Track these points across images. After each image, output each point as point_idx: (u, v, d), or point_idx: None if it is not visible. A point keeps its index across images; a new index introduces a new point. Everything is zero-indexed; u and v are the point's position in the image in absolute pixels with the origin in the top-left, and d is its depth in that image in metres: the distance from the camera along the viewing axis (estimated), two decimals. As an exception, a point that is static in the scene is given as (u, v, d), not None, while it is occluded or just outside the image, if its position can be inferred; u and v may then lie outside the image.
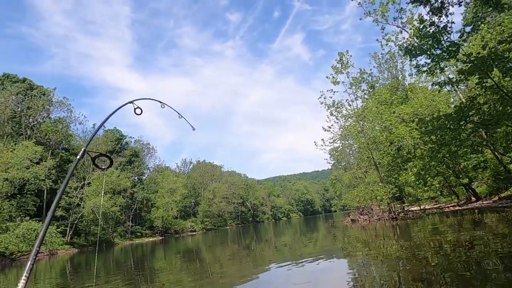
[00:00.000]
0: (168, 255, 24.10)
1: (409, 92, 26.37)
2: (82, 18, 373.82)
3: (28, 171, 33.19)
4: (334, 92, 24.69)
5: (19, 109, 44.17)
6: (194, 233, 67.27)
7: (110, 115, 3.32)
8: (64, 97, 50.20)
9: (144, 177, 69.80)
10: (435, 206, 28.72)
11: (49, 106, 47.78)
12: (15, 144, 35.64)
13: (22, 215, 33.77)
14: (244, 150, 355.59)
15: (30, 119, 44.98)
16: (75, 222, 41.30)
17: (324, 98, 25.03)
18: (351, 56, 23.75)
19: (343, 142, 30.80)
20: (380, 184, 23.26)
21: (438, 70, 12.28)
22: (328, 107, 25.28)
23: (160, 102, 3.69)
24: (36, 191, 38.80)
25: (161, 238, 56.94)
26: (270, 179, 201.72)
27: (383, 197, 22.22)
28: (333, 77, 23.89)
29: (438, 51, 11.56)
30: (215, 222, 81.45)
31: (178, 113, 3.94)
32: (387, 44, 17.25)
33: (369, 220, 25.25)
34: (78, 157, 2.67)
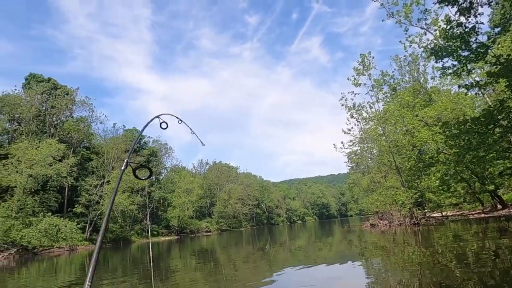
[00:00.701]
0: (183, 255, 24.24)
1: (432, 95, 25.62)
2: (105, 21, 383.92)
3: (51, 168, 34.14)
4: (355, 94, 24.30)
5: (43, 108, 45.58)
6: (209, 233, 67.59)
7: (143, 129, 3.77)
8: (86, 96, 51.53)
9: (161, 177, 70.63)
10: (458, 213, 27.81)
11: (72, 105, 49.09)
12: (39, 141, 36.79)
13: (44, 211, 34.76)
14: (260, 152, 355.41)
15: (54, 118, 46.31)
16: (94, 219, 42.19)
17: (345, 100, 24.70)
18: (373, 57, 23.33)
19: (362, 145, 30.28)
20: (402, 188, 22.70)
21: (465, 73, 11.87)
22: (348, 109, 24.91)
23: (178, 118, 3.99)
24: (58, 187, 39.86)
25: (176, 237, 57.46)
26: (286, 182, 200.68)
27: (405, 201, 21.67)
28: (354, 78, 23.48)
29: (466, 53, 11.16)
30: (230, 223, 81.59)
31: (191, 130, 4.20)
32: (410, 45, 16.83)
33: (389, 225, 24.67)
34: (122, 168, 2.92)
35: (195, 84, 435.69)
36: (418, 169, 20.93)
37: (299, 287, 7.72)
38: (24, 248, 30.62)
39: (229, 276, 10.86)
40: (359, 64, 23.44)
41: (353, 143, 28.94)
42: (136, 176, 3.28)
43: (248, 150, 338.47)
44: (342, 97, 24.81)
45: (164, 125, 3.73)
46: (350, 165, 39.27)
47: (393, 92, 24.01)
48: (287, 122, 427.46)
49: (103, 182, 45.23)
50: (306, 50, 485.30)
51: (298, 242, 25.38)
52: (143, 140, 67.20)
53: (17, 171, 32.09)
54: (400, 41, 17.16)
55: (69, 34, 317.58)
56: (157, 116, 3.66)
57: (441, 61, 11.93)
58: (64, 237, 34.01)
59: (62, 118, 47.39)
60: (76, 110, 50.46)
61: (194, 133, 4.17)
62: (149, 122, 3.72)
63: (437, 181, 18.20)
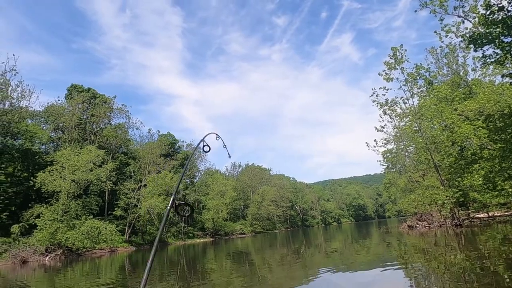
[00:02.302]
0: (218, 256, 24.48)
1: (473, 87, 23.98)
2: (138, 30, 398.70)
3: (92, 173, 35.84)
4: (387, 89, 23.22)
5: (84, 116, 48.09)
6: (243, 235, 67.96)
7: (190, 157, 4.13)
8: (122, 104, 53.75)
9: (195, 180, 72.10)
10: (507, 213, 25.89)
11: (110, 113, 51.34)
12: (80, 148, 38.80)
13: (86, 214, 36.54)
14: (292, 154, 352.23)
15: (94, 125, 48.72)
16: (133, 221, 43.80)
17: (377, 96, 23.71)
18: (405, 50, 22.17)
19: (397, 143, 28.97)
20: (441, 188, 21.47)
21: (508, 61, 10.97)
22: (380, 105, 23.88)
23: (216, 135, 4.29)
24: (98, 191, 41.82)
25: (211, 239, 58.28)
26: (320, 183, 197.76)
27: (445, 201, 20.47)
28: (386, 73, 22.48)
29: (509, 39, 10.33)
30: (264, 225, 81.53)
31: (224, 144, 4.47)
32: (446, 35, 15.78)
33: (429, 226, 23.49)
34: (168, 207, 3.19)
35: (225, 88, 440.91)
36: (460, 167, 19.68)
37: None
38: (69, 249, 32.37)
39: (264, 279, 10.77)
40: (390, 58, 22.43)
41: (387, 141, 27.75)
42: (177, 213, 3.47)
43: (280, 152, 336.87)
44: (373, 93, 23.79)
45: (206, 148, 4.05)
46: (385, 164, 37.73)
47: (429, 86, 22.78)
48: (318, 122, 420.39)
49: (140, 185, 46.86)
50: (337, 48, 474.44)
51: (334, 245, 24.86)
52: (177, 145, 69.03)
53: (61, 177, 34.00)
54: (435, 32, 16.18)
55: (106, 45, 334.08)
56: (202, 139, 3.92)
57: (481, 49, 11.12)
58: (105, 239, 35.57)
59: (101, 126, 49.74)
60: (113, 118, 52.77)
61: (225, 146, 4.48)
62: (197, 146, 4.14)
63: (480, 179, 16.99)
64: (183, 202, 3.43)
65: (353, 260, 13.18)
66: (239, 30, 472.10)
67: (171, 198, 3.23)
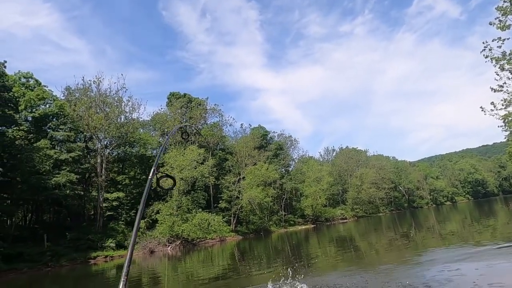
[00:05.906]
0: (321, 242, 24.36)
1: None
2: (219, 32, 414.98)
3: (196, 170, 39.31)
4: (504, 40, 19.39)
5: (184, 120, 52.85)
6: (345, 220, 66.39)
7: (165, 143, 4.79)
8: (215, 104, 57.62)
9: (290, 168, 72.86)
10: None
11: (205, 114, 55.50)
12: (184, 149, 42.79)
13: (196, 208, 40.30)
14: (389, 131, 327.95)
15: (193, 127, 53.21)
16: (237, 212, 46.63)
17: (490, 50, 19.96)
18: (524, -12, 18.13)
19: (522, 103, 24.21)
20: None
21: None
22: (496, 60, 20.06)
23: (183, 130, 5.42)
24: (203, 187, 45.65)
25: (313, 226, 58.42)
26: (425, 160, 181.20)
27: None
28: (500, 21, 18.78)
29: None
30: (366, 209, 78.09)
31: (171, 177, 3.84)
32: None
33: None
34: (149, 176, 3.16)
35: (309, 73, 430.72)
36: None
37: (464, 282, 6.70)
38: (186, 239, 36.15)
39: (372, 263, 10.28)
40: (504, 2, 18.62)
41: (509, 102, 23.33)
42: (159, 186, 3.42)
43: (375, 131, 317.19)
44: (485, 47, 20.05)
45: (185, 135, 5.07)
46: (509, 130, 31.94)
47: None
48: (416, 93, 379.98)
49: (239, 178, 49.50)
50: (430, 7, 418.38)
51: (449, 226, 22.49)
52: (269, 136, 70.68)
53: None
54: None
55: (193, 52, 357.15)
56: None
57: None
58: (214, 230, 38.74)
59: (199, 126, 54.02)
60: (208, 117, 56.91)
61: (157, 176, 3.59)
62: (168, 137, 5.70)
63: None
64: (165, 174, 3.27)
65: (475, 242, 11.60)
66: (316, 11, 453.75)
67: (152, 169, 3.16)
